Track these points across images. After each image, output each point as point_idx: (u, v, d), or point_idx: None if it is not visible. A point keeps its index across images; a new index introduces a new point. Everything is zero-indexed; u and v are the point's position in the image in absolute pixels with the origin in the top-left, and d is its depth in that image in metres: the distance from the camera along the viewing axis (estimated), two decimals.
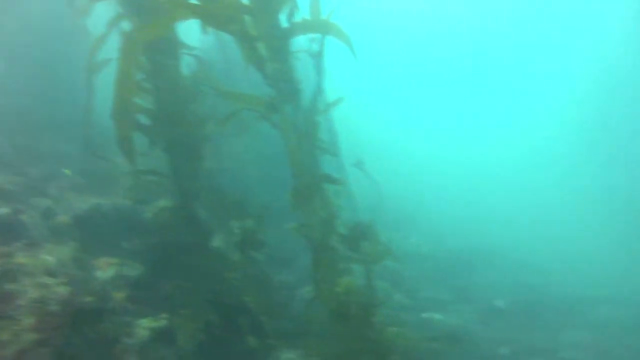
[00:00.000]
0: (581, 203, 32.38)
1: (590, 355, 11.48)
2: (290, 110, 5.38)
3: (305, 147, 5.47)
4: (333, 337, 5.73)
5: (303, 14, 5.63)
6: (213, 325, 6.23)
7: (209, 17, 5.29)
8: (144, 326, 6.42)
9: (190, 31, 7.03)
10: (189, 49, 7.02)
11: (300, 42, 5.95)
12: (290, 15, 5.49)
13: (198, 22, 5.67)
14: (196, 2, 5.26)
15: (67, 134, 10.68)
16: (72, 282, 6.07)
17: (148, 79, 6.36)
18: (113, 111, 5.27)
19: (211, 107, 7.01)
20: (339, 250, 5.48)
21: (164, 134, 6.59)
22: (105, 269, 6.88)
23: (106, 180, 9.03)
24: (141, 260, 7.25)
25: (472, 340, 10.19)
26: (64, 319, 5.29)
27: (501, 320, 11.73)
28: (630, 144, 34.51)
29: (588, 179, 35.41)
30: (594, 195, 33.49)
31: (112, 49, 6.13)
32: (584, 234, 26.75)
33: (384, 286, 10.92)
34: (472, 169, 39.60)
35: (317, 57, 5.34)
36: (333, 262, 5.39)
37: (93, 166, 9.28)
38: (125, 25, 6.17)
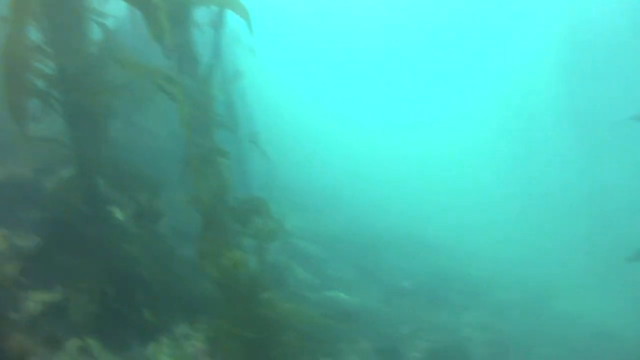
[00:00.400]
0: (508, 200, 33.82)
1: (487, 335, 12.19)
2: (186, 82, 5.35)
3: (199, 119, 5.47)
4: (223, 313, 5.80)
5: None
6: (108, 298, 6.15)
7: None
8: (36, 299, 6.25)
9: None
10: (100, 15, 6.76)
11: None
12: None
13: None
14: None
15: None
16: None
17: (48, 41, 6.09)
18: (3, 73, 5.04)
19: (117, 77, 6.83)
20: (229, 224, 5.53)
21: (64, 100, 6.37)
22: None
23: (3, 148, 8.63)
24: (37, 232, 7.01)
25: (374, 319, 10.55)
26: None
27: (406, 301, 12.23)
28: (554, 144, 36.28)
29: (519, 177, 37.04)
30: (520, 191, 35.08)
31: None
32: (501, 226, 28.05)
33: (289, 264, 11.09)
34: (402, 162, 40.51)
35: (216, 28, 5.33)
36: (222, 235, 5.43)
37: None
38: None
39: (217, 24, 5.43)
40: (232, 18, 5.79)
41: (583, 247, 23.38)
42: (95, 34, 6.95)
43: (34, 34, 5.82)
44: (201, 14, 5.74)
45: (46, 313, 6.23)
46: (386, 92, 58.91)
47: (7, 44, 5.11)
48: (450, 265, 17.79)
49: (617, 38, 29.62)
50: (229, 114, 5.80)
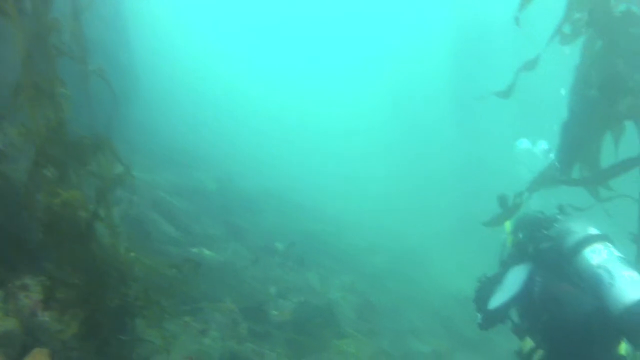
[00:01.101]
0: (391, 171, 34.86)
1: (355, 298, 12.18)
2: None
3: (39, 45, 4.64)
4: (58, 260, 5.04)
5: None
6: None
7: None
8: None
9: None
10: None
11: None
12: None
13: None
14: None
15: None
16: None
17: None
18: None
19: None
20: (65, 160, 4.75)
21: None
22: None
23: None
24: None
25: (241, 278, 10.06)
26: None
27: (275, 261, 11.83)
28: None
29: (405, 152, 38.45)
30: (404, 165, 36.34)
31: None
32: (383, 197, 28.69)
33: (154, 217, 10.30)
34: (293, 120, 40.25)
35: None
36: (56, 172, 4.65)
37: None
38: None
39: None
40: None
41: (454, 215, 24.57)
42: None
43: None
44: None
45: None
46: (288, 43, 58.39)
47: None
48: (327, 230, 17.75)
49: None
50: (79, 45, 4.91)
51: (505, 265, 5.04)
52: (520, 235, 5.17)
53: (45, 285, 5.44)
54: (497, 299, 4.75)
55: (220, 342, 7.81)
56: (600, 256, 4.15)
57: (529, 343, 4.62)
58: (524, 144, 6.10)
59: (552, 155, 5.92)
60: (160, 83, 19.37)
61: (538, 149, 6.03)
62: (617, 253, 4.20)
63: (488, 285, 4.99)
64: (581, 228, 4.49)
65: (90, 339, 5.02)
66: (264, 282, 10.55)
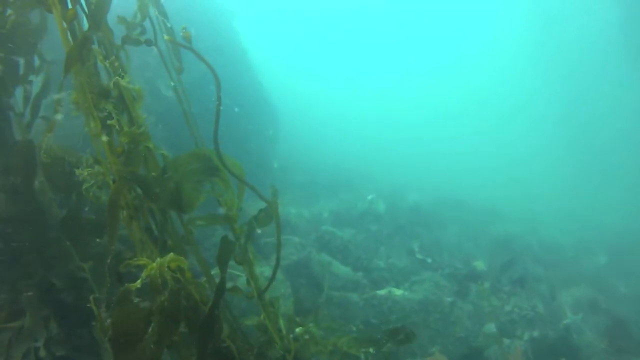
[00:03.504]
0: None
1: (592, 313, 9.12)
2: None
3: None
4: None
5: None
6: None
7: None
8: None
9: None
10: None
11: None
12: None
13: None
14: None
15: None
16: None
17: None
18: None
19: None
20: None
21: None
22: None
23: None
24: None
25: (444, 317, 7.59)
26: None
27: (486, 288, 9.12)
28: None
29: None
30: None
31: None
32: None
33: (323, 259, 8.17)
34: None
35: None
36: None
37: None
38: None
39: None
40: None
41: None
42: None
43: None
44: None
45: None
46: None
47: None
48: (521, 230, 14.66)
49: None
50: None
51: None
52: None
53: None
54: None
55: None
56: None
57: None
58: None
59: None
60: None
61: None
62: None
63: None
64: None
65: None
66: (478, 318, 7.92)
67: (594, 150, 31.38)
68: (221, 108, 3.22)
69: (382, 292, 7.74)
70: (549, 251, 12.92)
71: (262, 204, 3.91)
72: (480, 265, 10.01)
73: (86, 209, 4.62)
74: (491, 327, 7.78)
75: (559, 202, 20.67)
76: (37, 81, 4.74)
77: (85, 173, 3.37)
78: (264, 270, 7.00)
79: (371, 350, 4.10)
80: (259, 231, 4.01)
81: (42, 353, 4.62)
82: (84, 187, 3.38)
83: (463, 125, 39.18)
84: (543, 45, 35.66)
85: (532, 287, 9.40)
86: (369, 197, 11.80)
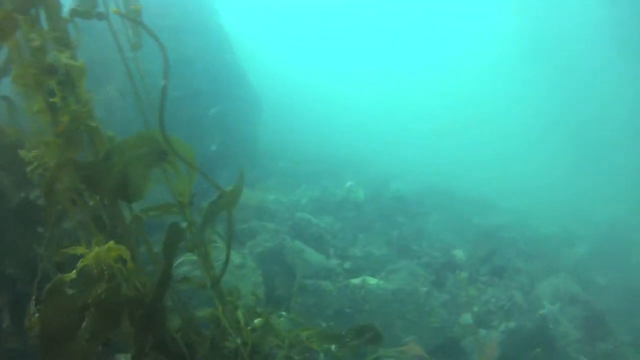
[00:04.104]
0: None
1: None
2: None
3: None
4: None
5: None
6: None
7: None
8: None
9: None
10: None
11: None
12: None
13: None
14: None
15: None
16: None
17: None
18: None
19: None
20: None
21: None
22: None
23: None
24: None
25: (419, 307, 7.47)
26: None
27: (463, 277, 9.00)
28: None
29: None
30: None
31: None
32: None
33: (297, 246, 7.99)
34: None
35: None
36: None
37: None
38: None
39: None
40: None
41: None
42: None
43: None
44: None
45: None
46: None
47: None
48: (505, 222, 14.54)
49: None
50: None
51: None
52: None
53: None
54: None
55: None
56: None
57: None
58: None
59: None
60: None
61: None
62: None
63: None
64: None
65: None
66: (455, 308, 7.82)
67: (588, 147, 31.23)
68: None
69: (356, 280, 7.59)
70: (533, 243, 12.78)
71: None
72: (459, 254, 9.89)
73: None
74: (467, 318, 7.69)
75: (551, 196, 20.51)
76: None
77: (31, 155, 3.17)
78: (233, 259, 6.83)
79: (333, 347, 3.93)
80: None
81: None
82: (28, 169, 3.18)
83: (456, 120, 38.99)
84: (537, 39, 35.49)
85: (511, 278, 9.31)
86: (347, 184, 11.61)
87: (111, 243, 2.79)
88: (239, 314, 3.97)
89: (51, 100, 2.81)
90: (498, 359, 7.20)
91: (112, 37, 3.29)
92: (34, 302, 2.80)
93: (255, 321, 4.02)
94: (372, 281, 7.67)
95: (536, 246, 12.51)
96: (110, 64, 7.75)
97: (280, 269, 7.61)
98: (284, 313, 7.05)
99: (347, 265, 8.29)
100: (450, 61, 52.45)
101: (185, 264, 6.28)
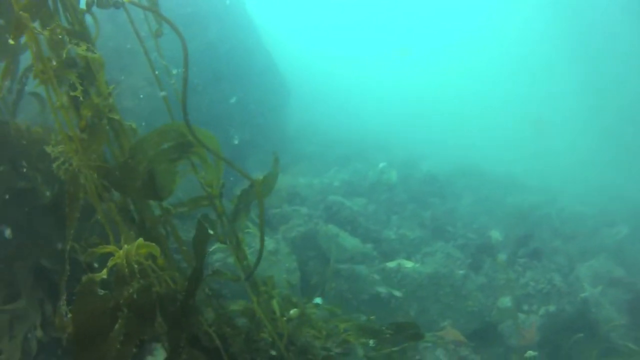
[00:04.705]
0: None
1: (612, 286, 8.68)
2: None
3: None
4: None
5: None
6: None
7: None
8: None
9: None
10: None
11: None
12: None
13: None
14: None
15: None
16: None
17: None
18: None
19: None
20: None
21: None
22: None
23: None
24: None
25: (456, 291, 7.30)
26: None
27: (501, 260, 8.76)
28: None
29: None
30: None
31: None
32: None
33: (331, 231, 7.85)
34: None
35: None
36: None
37: None
38: None
39: None
40: None
41: None
42: None
43: None
44: None
45: None
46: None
47: None
48: (540, 200, 14.11)
49: None
50: None
51: None
52: None
53: None
54: None
55: None
56: None
57: None
58: None
59: None
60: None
61: None
62: None
63: None
64: None
65: None
66: (492, 292, 7.61)
67: (617, 122, 30.29)
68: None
69: (391, 264, 7.44)
70: (569, 222, 12.38)
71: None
72: (495, 235, 9.63)
73: None
74: (506, 301, 7.47)
75: (581, 173, 19.93)
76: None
77: (57, 150, 3.07)
78: (266, 244, 6.73)
79: (371, 342, 3.80)
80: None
81: (39, 334, 4.47)
82: (54, 165, 3.08)
83: (481, 99, 38.29)
84: (561, 9, 34.36)
85: (550, 259, 9.02)
86: (380, 166, 11.40)
87: (140, 240, 2.68)
88: (274, 304, 3.86)
89: (72, 94, 2.70)
90: (537, 344, 7.01)
91: (132, 26, 3.16)
92: (64, 301, 2.73)
93: (291, 312, 3.92)
94: (408, 264, 7.52)
95: (573, 225, 12.12)
96: (137, 52, 7.67)
97: (314, 254, 7.50)
98: (319, 300, 6.97)
99: (381, 248, 8.14)
100: (475, 41, 51.42)
101: (217, 251, 6.20)
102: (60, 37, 2.69)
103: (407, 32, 54.56)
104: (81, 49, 2.58)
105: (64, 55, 2.67)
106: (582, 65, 34.39)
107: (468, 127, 28.67)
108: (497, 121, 31.91)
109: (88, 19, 3.16)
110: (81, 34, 2.72)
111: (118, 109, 2.86)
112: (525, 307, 7.45)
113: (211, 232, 3.10)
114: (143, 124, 3.32)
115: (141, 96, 8.32)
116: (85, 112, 2.71)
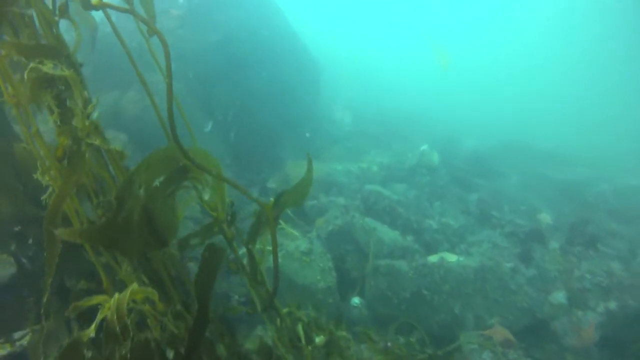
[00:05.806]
0: None
1: None
2: None
3: None
4: None
5: None
6: None
7: None
8: None
9: None
10: None
11: None
12: None
13: None
14: None
15: None
16: None
17: None
18: None
19: None
20: None
21: None
22: None
23: None
24: None
25: (504, 285, 6.72)
26: None
27: (553, 248, 8.09)
28: None
29: None
30: None
31: None
32: None
33: (369, 225, 7.35)
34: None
35: None
36: None
37: None
38: None
39: None
40: None
41: None
42: None
43: None
44: None
45: None
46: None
47: None
48: (588, 175, 13.21)
49: None
50: None
51: None
52: None
53: None
54: None
55: None
56: None
57: None
58: None
59: None
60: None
61: None
62: None
63: None
64: None
65: None
66: (544, 285, 7.00)
67: None
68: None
69: (433, 258, 6.89)
70: (625, 198, 11.49)
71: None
72: (545, 219, 8.94)
73: None
74: (559, 296, 6.85)
75: (633, 146, 18.77)
76: None
77: (46, 179, 2.65)
78: (299, 244, 6.29)
79: None
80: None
81: None
82: (44, 196, 2.67)
83: (525, 75, 37.09)
84: None
85: (607, 244, 8.29)
86: (422, 148, 10.75)
87: (135, 286, 2.26)
88: (299, 329, 3.42)
89: (49, 118, 2.28)
90: (596, 343, 6.40)
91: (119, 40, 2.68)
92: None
93: (317, 339, 3.47)
94: (451, 258, 6.96)
95: (630, 203, 11.25)
96: (158, 51, 7.37)
97: (352, 248, 7.03)
98: (357, 300, 6.53)
99: (423, 239, 7.59)
100: (513, 19, 50.02)
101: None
102: (28, 51, 2.25)
103: (442, 12, 53.28)
104: (47, 67, 2.13)
105: (33, 75, 2.23)
106: (629, 36, 32.86)
107: (512, 103, 27.69)
108: (545, 96, 30.72)
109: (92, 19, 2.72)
110: (53, 49, 2.27)
111: (102, 130, 2.42)
112: (582, 303, 6.82)
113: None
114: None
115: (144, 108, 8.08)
116: (61, 139, 2.28)
